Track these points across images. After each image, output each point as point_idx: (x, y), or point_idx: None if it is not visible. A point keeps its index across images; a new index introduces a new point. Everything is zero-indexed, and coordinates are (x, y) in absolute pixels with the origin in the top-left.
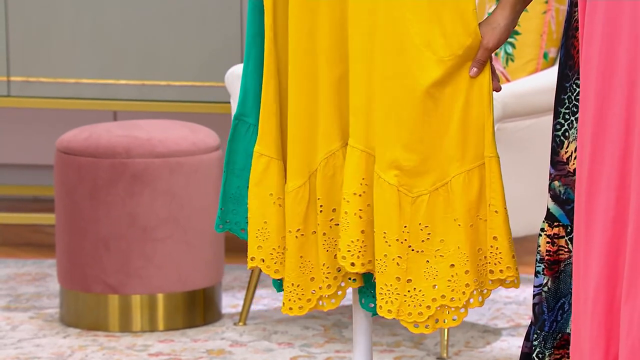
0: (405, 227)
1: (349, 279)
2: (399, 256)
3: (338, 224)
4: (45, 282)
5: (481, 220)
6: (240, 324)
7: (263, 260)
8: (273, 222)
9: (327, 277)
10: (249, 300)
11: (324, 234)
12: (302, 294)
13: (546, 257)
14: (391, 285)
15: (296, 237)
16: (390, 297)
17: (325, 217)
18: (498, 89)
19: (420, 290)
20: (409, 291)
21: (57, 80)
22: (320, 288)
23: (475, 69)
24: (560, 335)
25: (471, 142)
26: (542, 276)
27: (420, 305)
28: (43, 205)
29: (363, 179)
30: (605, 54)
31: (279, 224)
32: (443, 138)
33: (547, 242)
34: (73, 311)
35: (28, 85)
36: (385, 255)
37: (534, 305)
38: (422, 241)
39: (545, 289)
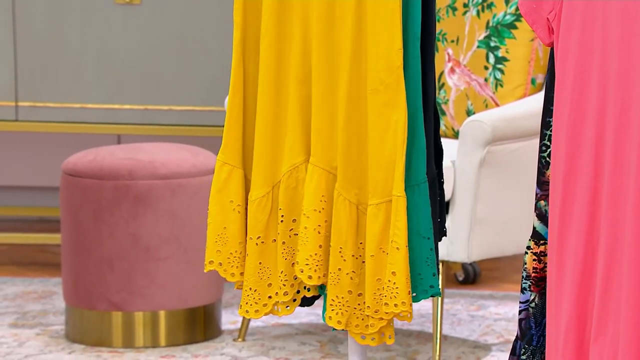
0: (360, 243)
1: (304, 287)
2: (353, 271)
3: (297, 234)
4: (51, 300)
5: (384, 253)
6: (240, 340)
7: (221, 264)
8: (232, 228)
9: (284, 285)
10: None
11: (284, 242)
12: (259, 299)
13: (533, 274)
14: (342, 297)
15: (256, 244)
16: (340, 309)
17: (285, 227)
18: None
19: (367, 305)
20: (358, 304)
21: (63, 105)
22: (276, 294)
23: None
24: None
25: (380, 178)
26: (529, 292)
27: (365, 319)
28: (49, 226)
29: (323, 196)
30: (576, 101)
31: (238, 230)
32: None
33: (534, 260)
34: (78, 328)
35: (35, 110)
36: (340, 269)
37: (520, 320)
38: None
39: (533, 304)
